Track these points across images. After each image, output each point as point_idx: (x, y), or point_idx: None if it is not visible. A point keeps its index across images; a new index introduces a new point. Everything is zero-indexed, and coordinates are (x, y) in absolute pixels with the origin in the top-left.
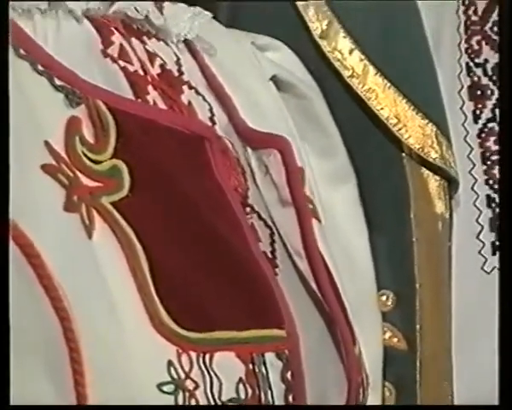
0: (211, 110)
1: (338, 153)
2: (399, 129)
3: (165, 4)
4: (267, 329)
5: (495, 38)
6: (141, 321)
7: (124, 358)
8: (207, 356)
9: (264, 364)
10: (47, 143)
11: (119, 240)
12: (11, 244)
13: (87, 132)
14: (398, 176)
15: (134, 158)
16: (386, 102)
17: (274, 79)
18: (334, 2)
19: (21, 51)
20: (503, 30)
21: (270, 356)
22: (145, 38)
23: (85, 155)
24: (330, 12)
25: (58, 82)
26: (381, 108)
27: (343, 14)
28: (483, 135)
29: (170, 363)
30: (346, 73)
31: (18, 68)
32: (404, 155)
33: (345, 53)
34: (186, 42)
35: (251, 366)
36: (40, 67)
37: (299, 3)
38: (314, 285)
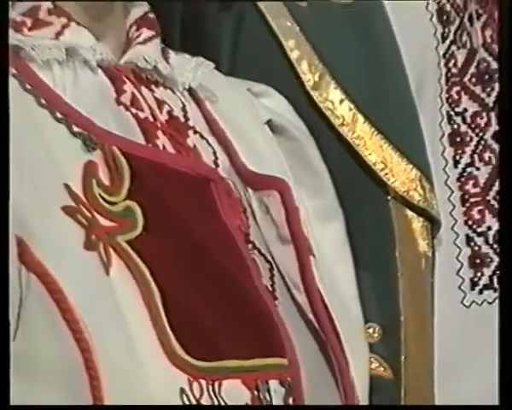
0: (214, 154)
1: (327, 193)
2: (386, 173)
3: (171, 55)
4: (271, 358)
5: (473, 88)
6: (155, 352)
7: (140, 386)
8: (216, 384)
9: (268, 390)
10: (67, 186)
11: (135, 276)
12: (36, 281)
13: (103, 176)
14: (384, 217)
15: (146, 199)
16: (373, 148)
17: (269, 123)
18: (325, 56)
19: (42, 100)
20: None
21: (273, 383)
22: (153, 86)
23: (102, 197)
24: (322, 65)
25: (76, 129)
26: (369, 154)
27: (334, 67)
28: (462, 179)
29: (182, 390)
30: (336, 122)
31: (38, 116)
32: (389, 197)
33: (335, 103)
34: (190, 90)
35: (256, 393)
36: (59, 115)
37: (292, 57)
38: (312, 316)
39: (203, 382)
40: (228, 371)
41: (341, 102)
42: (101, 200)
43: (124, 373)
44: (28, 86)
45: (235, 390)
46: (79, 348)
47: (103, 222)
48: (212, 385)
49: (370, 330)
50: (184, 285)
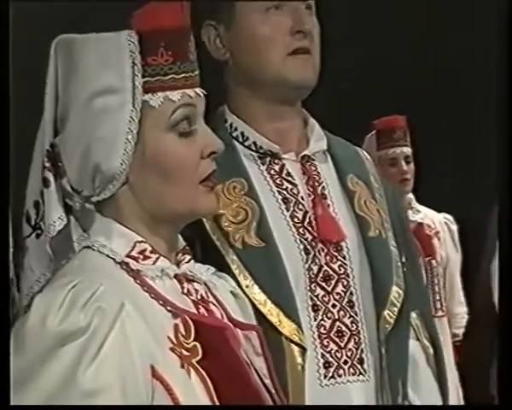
0: (221, 313)
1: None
2: (280, 327)
3: (195, 264)
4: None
5: (322, 284)
6: None
7: None
8: None
9: None
10: (168, 337)
11: (200, 378)
12: (160, 386)
13: (182, 330)
14: (280, 348)
15: (201, 340)
16: (274, 315)
17: (231, 292)
18: (254, 273)
19: (152, 295)
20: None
21: None
22: (193, 283)
23: (183, 341)
24: (250, 276)
25: (169, 308)
26: (273, 318)
27: (258, 277)
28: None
29: None
30: (256, 303)
31: (153, 304)
32: (283, 337)
33: (256, 295)
34: (205, 283)
35: None
36: (161, 302)
37: (240, 279)
38: (273, 390)
39: None
40: None
41: (259, 294)
42: (183, 343)
43: None
44: (146, 289)
45: None
46: None
47: (185, 353)
48: None
49: None
50: (221, 380)
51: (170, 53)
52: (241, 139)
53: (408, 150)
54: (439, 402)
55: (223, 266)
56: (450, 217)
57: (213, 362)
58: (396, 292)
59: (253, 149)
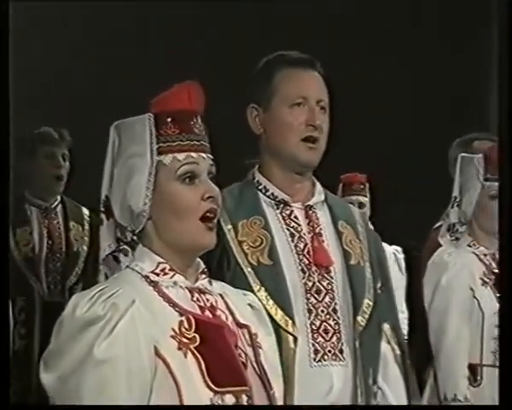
0: (226, 315)
1: (270, 329)
2: (279, 320)
3: (213, 282)
4: (244, 386)
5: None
6: (202, 386)
7: (196, 398)
8: (223, 396)
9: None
10: (173, 328)
11: (195, 359)
12: (161, 363)
13: (185, 324)
14: (278, 338)
15: (201, 332)
16: (276, 312)
17: (248, 304)
18: (262, 280)
19: (166, 299)
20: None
21: (244, 397)
22: (204, 293)
23: (185, 332)
24: (260, 284)
25: (177, 309)
26: (274, 315)
27: (266, 285)
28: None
29: (211, 399)
30: (264, 303)
31: (164, 304)
32: (281, 329)
33: (263, 297)
34: (220, 295)
35: (235, 400)
36: (171, 304)
37: (254, 288)
38: (259, 372)
39: (218, 396)
40: (228, 392)
41: (265, 296)
42: (184, 333)
43: (190, 393)
44: (160, 294)
45: (229, 399)
46: (175, 382)
47: (185, 340)
48: (221, 396)
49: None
50: (213, 362)
51: (176, 126)
52: (263, 191)
53: (364, 199)
54: (403, 389)
55: (241, 276)
56: (398, 248)
57: (209, 349)
58: (367, 303)
59: (271, 197)
